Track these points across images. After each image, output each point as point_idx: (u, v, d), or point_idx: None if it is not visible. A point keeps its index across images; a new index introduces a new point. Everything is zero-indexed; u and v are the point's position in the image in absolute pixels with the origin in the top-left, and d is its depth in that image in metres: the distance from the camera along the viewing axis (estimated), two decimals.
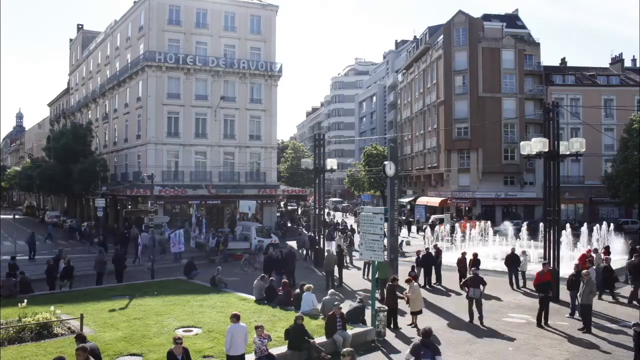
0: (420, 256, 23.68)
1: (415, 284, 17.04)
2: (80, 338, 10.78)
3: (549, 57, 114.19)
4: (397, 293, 16.83)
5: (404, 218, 52.34)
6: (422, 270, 23.40)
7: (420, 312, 16.71)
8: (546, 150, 19.62)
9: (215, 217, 47.25)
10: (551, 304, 18.96)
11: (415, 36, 78.54)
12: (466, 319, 17.23)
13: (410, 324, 16.60)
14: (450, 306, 19.26)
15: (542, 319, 16.56)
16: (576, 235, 32.52)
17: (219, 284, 21.27)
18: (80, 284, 23.17)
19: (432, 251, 24.07)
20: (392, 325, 16.10)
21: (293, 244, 37.49)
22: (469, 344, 14.79)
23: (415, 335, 15.83)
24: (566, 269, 23.00)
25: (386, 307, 15.99)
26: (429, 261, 23.30)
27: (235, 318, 11.79)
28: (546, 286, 16.80)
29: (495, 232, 36.63)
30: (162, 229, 35.29)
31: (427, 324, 16.51)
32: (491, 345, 14.70)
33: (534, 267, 26.40)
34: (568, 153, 20.04)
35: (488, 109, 53.37)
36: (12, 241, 33.41)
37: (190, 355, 11.04)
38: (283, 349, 13.09)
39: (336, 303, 14.83)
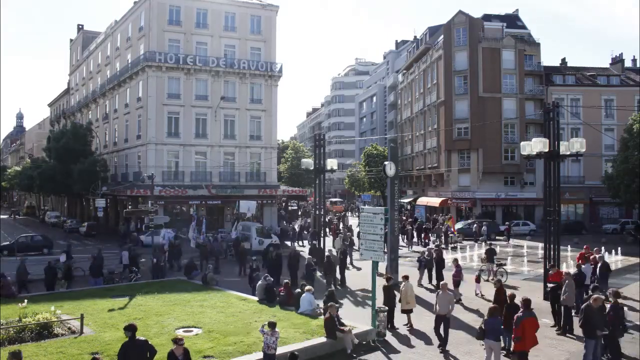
0: (424, 257, 23.62)
1: (409, 282, 17.05)
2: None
3: (549, 58, 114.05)
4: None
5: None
6: (425, 271, 23.42)
7: (411, 310, 16.74)
8: (546, 150, 19.61)
9: (216, 218, 47.25)
10: (549, 304, 18.98)
11: (415, 36, 78.51)
12: (466, 319, 17.23)
13: (406, 324, 16.61)
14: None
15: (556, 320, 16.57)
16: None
17: (210, 281, 21.46)
18: (79, 284, 23.21)
19: (435, 252, 24.05)
20: (388, 325, 16.11)
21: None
22: (469, 344, 14.78)
23: (410, 334, 15.86)
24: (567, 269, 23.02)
25: (386, 307, 15.98)
26: (433, 262, 23.26)
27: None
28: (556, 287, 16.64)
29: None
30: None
31: (427, 324, 16.61)
32: None
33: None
34: (568, 153, 20.01)
35: (488, 109, 53.32)
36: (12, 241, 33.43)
37: (191, 356, 11.03)
38: (283, 348, 13.11)
39: (332, 304, 14.81)
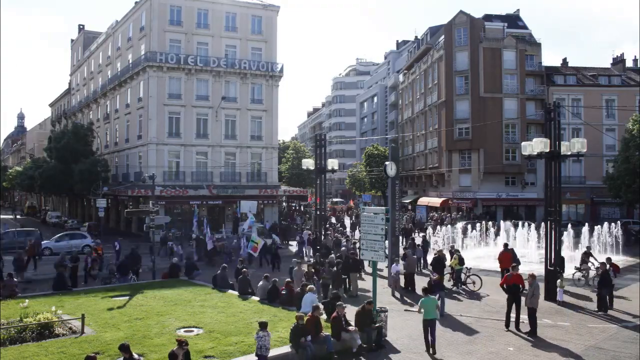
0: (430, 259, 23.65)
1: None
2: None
3: (550, 58, 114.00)
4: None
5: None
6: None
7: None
8: (547, 150, 19.61)
9: (217, 218, 47.25)
10: (552, 305, 19.00)
11: (416, 36, 78.40)
12: (467, 320, 17.22)
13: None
14: (452, 307, 19.21)
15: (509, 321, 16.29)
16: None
17: (220, 282, 21.34)
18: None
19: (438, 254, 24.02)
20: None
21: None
22: (469, 344, 14.77)
23: (410, 335, 15.83)
24: (569, 270, 23.08)
25: (387, 308, 15.98)
26: (439, 264, 23.24)
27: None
28: (515, 289, 16.30)
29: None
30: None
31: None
32: (492, 345, 14.69)
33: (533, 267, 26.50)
34: (569, 153, 20.03)
35: (489, 109, 53.31)
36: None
37: (191, 356, 11.10)
38: (284, 349, 13.10)
39: (339, 303, 14.83)
